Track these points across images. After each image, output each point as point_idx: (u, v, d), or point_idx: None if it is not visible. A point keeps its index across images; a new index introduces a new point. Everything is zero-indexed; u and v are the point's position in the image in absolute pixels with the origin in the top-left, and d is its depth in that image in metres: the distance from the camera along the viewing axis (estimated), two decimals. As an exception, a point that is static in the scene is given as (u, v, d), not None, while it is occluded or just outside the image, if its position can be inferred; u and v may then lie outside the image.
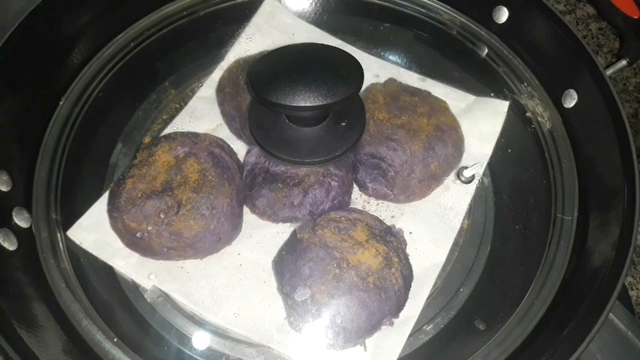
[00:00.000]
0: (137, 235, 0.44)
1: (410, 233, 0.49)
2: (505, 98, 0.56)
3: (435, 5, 0.60)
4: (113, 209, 0.45)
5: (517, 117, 0.55)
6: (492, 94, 0.57)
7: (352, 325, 0.41)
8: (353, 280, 0.41)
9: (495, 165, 0.54)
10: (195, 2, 0.59)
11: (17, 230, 0.45)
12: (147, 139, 0.55)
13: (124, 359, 0.42)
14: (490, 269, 0.50)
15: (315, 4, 0.62)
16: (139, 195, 0.44)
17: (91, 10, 0.53)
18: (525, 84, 0.56)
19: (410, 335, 0.45)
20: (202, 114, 0.55)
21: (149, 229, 0.43)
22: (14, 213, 0.45)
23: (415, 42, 0.62)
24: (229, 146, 0.50)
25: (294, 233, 0.46)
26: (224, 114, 0.54)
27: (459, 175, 0.51)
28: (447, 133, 0.50)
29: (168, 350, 0.45)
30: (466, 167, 0.51)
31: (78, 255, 0.47)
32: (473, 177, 0.52)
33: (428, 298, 0.47)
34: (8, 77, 0.47)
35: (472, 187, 0.52)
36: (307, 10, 0.62)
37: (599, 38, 0.76)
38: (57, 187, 0.49)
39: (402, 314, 0.44)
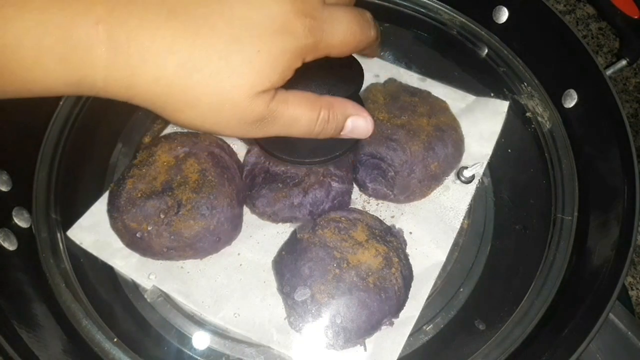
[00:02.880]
0: (137, 235, 0.44)
1: (410, 233, 0.49)
2: (505, 98, 0.56)
3: (435, 5, 0.60)
4: (113, 209, 0.45)
5: (517, 117, 0.55)
6: (492, 94, 0.57)
7: (352, 325, 0.41)
8: (353, 280, 0.41)
9: (495, 165, 0.54)
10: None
11: (17, 230, 0.45)
12: (147, 139, 0.55)
13: (124, 359, 0.42)
14: (490, 269, 0.50)
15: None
16: (139, 195, 0.44)
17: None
18: (525, 84, 0.56)
19: (410, 335, 0.45)
20: (202, 114, 0.55)
21: (149, 229, 0.43)
22: (14, 213, 0.45)
23: (415, 42, 0.62)
24: (229, 146, 0.50)
25: (294, 233, 0.47)
26: (224, 114, 0.54)
27: (459, 175, 0.51)
28: (447, 133, 0.50)
29: (168, 350, 0.45)
30: (466, 167, 0.51)
31: (78, 255, 0.47)
32: (473, 177, 0.52)
33: (428, 298, 0.47)
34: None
35: (472, 187, 0.52)
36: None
37: (599, 38, 0.76)
38: (57, 187, 0.49)
39: (402, 314, 0.44)
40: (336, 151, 0.43)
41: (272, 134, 0.34)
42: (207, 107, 0.31)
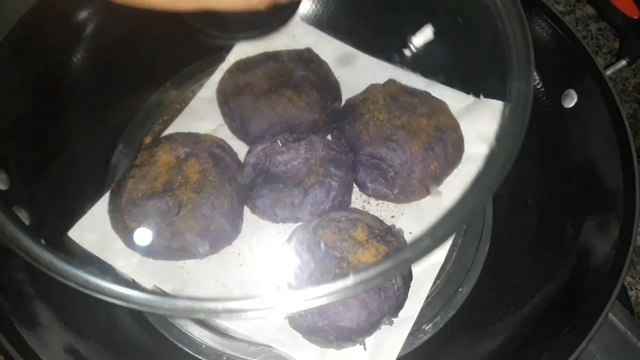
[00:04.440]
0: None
1: (410, 233, 0.49)
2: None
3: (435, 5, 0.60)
4: (114, 209, 0.45)
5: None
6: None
7: (351, 324, 0.41)
8: (353, 280, 0.41)
9: (495, 165, 0.54)
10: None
11: (17, 230, 0.45)
12: (148, 140, 0.55)
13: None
14: (490, 268, 0.50)
15: (315, 5, 0.62)
16: (140, 195, 0.44)
17: (91, 9, 0.53)
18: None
19: (410, 334, 0.45)
20: (202, 114, 0.55)
21: (149, 229, 0.43)
22: (14, 213, 0.45)
23: (415, 42, 0.62)
24: (229, 146, 0.51)
25: (293, 233, 0.47)
26: (224, 114, 0.54)
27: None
28: (446, 134, 0.50)
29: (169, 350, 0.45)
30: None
31: (78, 256, 0.47)
32: None
33: (427, 298, 0.47)
34: (8, 76, 0.47)
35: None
36: (307, 11, 0.62)
37: (599, 38, 0.76)
38: (57, 187, 0.49)
39: (401, 313, 0.44)
40: (273, 21, 0.36)
41: (205, 5, 0.30)
42: None
